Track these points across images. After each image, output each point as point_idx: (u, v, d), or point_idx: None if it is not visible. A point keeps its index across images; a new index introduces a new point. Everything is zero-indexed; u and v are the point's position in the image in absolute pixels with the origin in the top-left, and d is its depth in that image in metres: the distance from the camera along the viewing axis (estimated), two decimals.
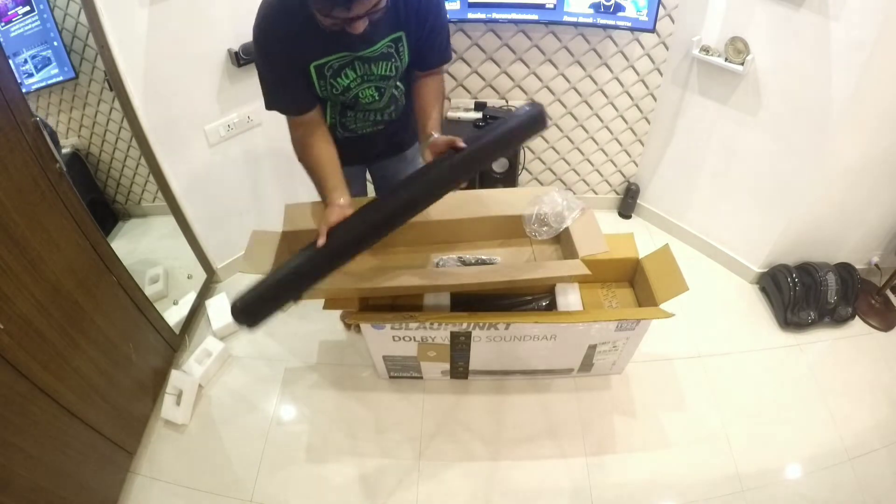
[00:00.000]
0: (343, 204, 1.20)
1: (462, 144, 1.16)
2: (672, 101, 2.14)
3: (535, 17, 1.91)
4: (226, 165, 1.97)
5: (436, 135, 1.24)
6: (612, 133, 2.33)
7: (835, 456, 1.62)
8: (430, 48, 1.26)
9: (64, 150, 1.83)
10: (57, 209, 1.31)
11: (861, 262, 2.15)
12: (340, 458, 1.64)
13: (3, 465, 1.13)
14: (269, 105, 1.25)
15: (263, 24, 1.12)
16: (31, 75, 1.60)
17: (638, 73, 2.12)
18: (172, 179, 1.83)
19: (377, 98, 1.30)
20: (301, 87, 1.22)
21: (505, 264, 1.52)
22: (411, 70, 1.32)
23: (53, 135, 1.74)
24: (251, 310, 1.12)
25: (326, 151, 1.27)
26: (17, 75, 1.20)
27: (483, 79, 2.20)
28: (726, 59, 1.84)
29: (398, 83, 1.32)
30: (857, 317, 2.03)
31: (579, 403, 1.76)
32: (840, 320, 1.99)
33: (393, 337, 1.56)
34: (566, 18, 1.89)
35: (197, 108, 1.79)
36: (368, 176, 1.74)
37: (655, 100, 2.20)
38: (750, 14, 1.73)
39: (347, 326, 1.94)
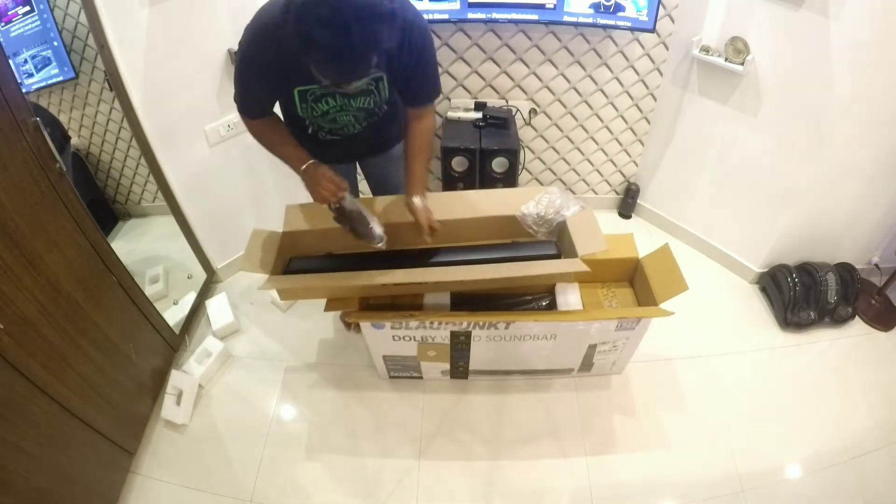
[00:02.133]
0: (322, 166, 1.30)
1: (437, 227, 1.35)
2: (672, 101, 2.14)
3: (535, 17, 1.91)
4: (226, 165, 1.97)
5: (417, 200, 1.35)
6: (612, 133, 2.33)
7: (835, 456, 1.62)
8: (417, 88, 1.30)
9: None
10: (57, 209, 1.31)
11: (861, 262, 2.15)
12: (340, 458, 1.64)
13: (3, 466, 1.13)
14: (239, 105, 1.29)
15: (257, 41, 1.12)
16: (31, 75, 1.60)
17: (638, 73, 2.12)
18: (172, 179, 1.83)
19: (353, 122, 1.36)
20: (270, 99, 1.30)
21: (505, 263, 1.52)
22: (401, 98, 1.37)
23: (60, 131, 1.74)
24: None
25: (284, 131, 1.34)
26: (17, 75, 1.20)
27: (483, 79, 2.20)
28: (726, 59, 1.84)
29: (377, 98, 1.34)
30: (857, 317, 2.03)
31: (579, 403, 1.76)
32: (840, 320, 1.99)
33: (393, 336, 1.56)
34: (566, 18, 1.89)
35: (197, 107, 1.79)
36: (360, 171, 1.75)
37: (655, 100, 2.20)
38: (750, 14, 1.73)
39: (347, 326, 1.93)
